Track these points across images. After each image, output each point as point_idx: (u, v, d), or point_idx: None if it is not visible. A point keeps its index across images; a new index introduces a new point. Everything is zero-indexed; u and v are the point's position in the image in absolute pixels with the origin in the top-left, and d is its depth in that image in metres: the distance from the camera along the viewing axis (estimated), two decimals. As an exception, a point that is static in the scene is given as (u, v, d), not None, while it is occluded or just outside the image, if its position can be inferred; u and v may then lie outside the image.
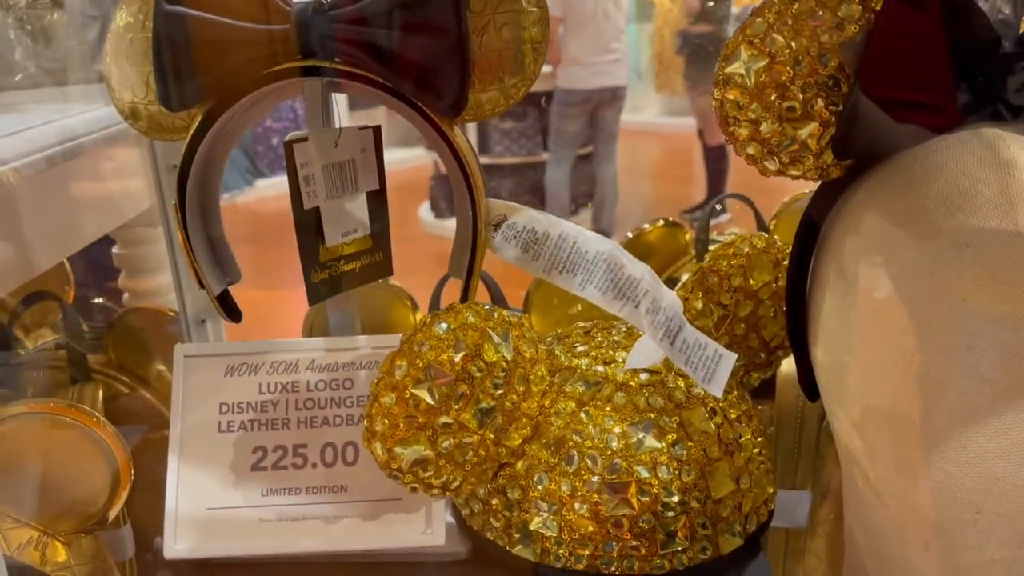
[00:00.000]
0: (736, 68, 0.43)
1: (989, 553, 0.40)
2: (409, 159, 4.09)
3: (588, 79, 2.85)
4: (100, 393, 0.65)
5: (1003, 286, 0.38)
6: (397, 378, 0.44)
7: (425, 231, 3.59)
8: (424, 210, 3.72)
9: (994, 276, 0.38)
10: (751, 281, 0.54)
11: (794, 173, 0.45)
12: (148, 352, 0.71)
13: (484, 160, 3.33)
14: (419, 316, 0.73)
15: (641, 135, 5.39)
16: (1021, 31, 0.49)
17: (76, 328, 0.69)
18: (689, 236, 0.87)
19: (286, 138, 0.47)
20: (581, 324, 0.58)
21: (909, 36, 0.42)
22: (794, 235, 0.49)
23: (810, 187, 0.62)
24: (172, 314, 0.71)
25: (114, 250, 0.92)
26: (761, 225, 0.86)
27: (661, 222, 0.85)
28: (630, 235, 0.85)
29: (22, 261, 0.58)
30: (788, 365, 0.68)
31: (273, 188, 4.42)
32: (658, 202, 4.08)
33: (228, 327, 0.71)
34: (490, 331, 0.45)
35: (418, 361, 0.43)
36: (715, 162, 3.37)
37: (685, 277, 0.81)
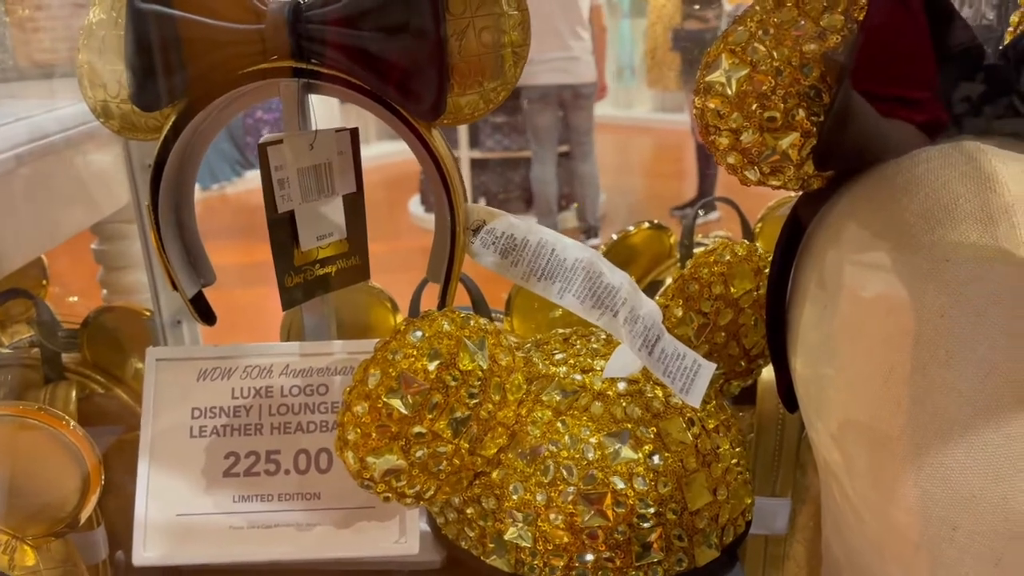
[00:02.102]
0: (717, 77, 0.42)
1: (965, 570, 0.40)
2: (399, 152, 4.06)
3: (540, 75, 2.83)
4: (73, 393, 0.64)
5: (982, 302, 0.37)
6: (370, 387, 0.43)
7: (415, 225, 3.58)
8: (414, 204, 3.71)
9: (973, 292, 0.38)
10: (732, 289, 0.54)
11: (775, 183, 0.45)
12: (123, 351, 0.70)
13: (475, 154, 3.32)
14: (399, 318, 0.72)
15: (633, 131, 5.39)
16: (1013, 32, 0.49)
17: (50, 326, 0.67)
18: (674, 239, 0.86)
19: (260, 140, 0.47)
20: (561, 331, 0.57)
21: (895, 32, 0.41)
22: (775, 244, 0.49)
23: (796, 192, 0.62)
24: (148, 313, 0.70)
25: (92, 246, 0.91)
26: (746, 229, 0.85)
27: (646, 224, 0.85)
28: (615, 237, 0.85)
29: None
30: (769, 372, 0.68)
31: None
32: (649, 198, 4.08)
33: (205, 327, 0.70)
34: (466, 340, 0.44)
35: (391, 370, 0.43)
36: (707, 159, 3.37)
37: (669, 280, 0.81)
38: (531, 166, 3.12)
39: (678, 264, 0.84)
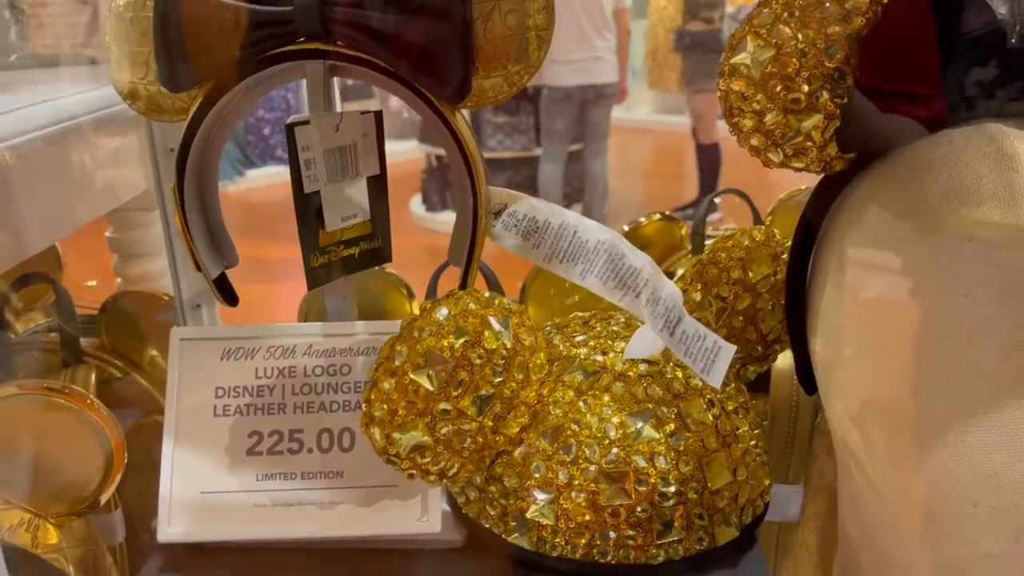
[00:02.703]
0: (742, 58, 0.43)
1: (985, 547, 0.40)
2: (401, 152, 4.09)
3: (569, 76, 2.84)
4: (93, 376, 0.64)
5: (1005, 282, 0.38)
6: (397, 364, 0.44)
7: (417, 224, 3.59)
8: (416, 203, 3.71)
9: (996, 271, 0.38)
10: (750, 274, 0.54)
11: (797, 165, 0.45)
12: (141, 336, 0.71)
13: (477, 154, 3.32)
14: (415, 305, 0.73)
15: (634, 132, 5.40)
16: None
17: (69, 310, 0.68)
18: (685, 230, 0.87)
19: (288, 121, 0.47)
20: (580, 314, 0.58)
21: (901, 28, 0.42)
22: (795, 227, 0.49)
23: (806, 184, 0.63)
24: (167, 298, 0.70)
25: (107, 234, 0.91)
26: (758, 221, 0.86)
27: (657, 216, 0.85)
28: (626, 228, 0.85)
29: (15, 242, 0.57)
30: (783, 360, 0.68)
31: (264, 178, 4.42)
32: (649, 200, 4.09)
33: (222, 313, 0.70)
34: (491, 318, 0.45)
35: (418, 347, 0.43)
36: (708, 160, 3.38)
37: (681, 271, 0.81)
38: (541, 164, 3.12)
39: (689, 255, 0.84)
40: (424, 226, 3.51)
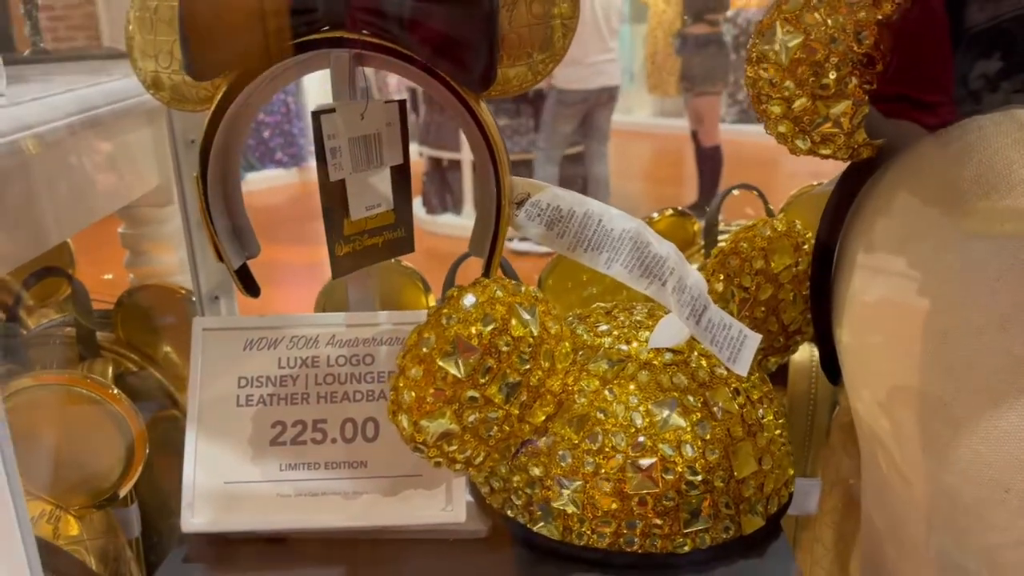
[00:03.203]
0: (771, 45, 0.43)
1: (1017, 533, 0.40)
2: (401, 155, 4.08)
3: (589, 79, 2.83)
4: (110, 369, 0.64)
5: (1038, 265, 0.38)
6: (425, 351, 0.43)
7: (418, 226, 3.58)
8: (416, 206, 3.71)
9: (1028, 255, 0.38)
10: (772, 264, 0.54)
11: (825, 152, 0.45)
12: (156, 331, 0.71)
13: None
14: (431, 298, 0.72)
15: (633, 136, 5.40)
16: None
17: (85, 304, 0.68)
18: (698, 226, 0.87)
19: (313, 109, 0.47)
20: (601, 304, 0.58)
21: (917, 35, 0.42)
22: (821, 215, 0.49)
23: (818, 180, 0.63)
24: (182, 292, 0.70)
25: (120, 230, 0.91)
26: (770, 216, 0.86)
27: (670, 211, 0.85)
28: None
29: (36, 234, 0.57)
30: (801, 354, 0.68)
31: (265, 180, 4.41)
32: (649, 203, 4.08)
33: (241, 306, 0.70)
34: (518, 306, 0.44)
35: (446, 333, 0.43)
36: (709, 163, 3.38)
37: (695, 267, 0.81)
38: (537, 166, 3.12)
39: (702, 251, 0.84)
40: (425, 228, 3.51)
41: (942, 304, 0.40)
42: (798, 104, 0.43)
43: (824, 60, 0.42)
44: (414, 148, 3.71)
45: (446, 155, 3.47)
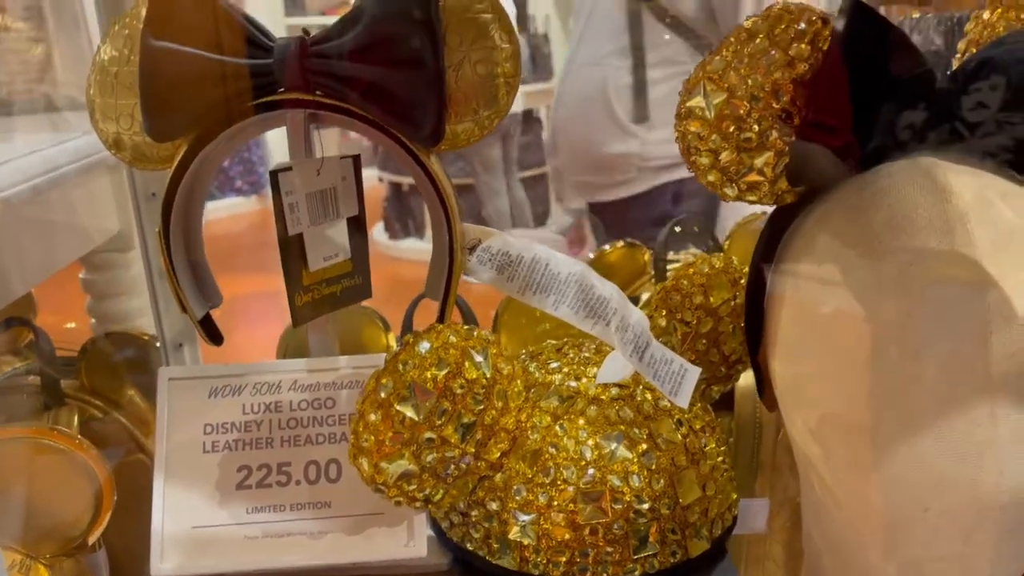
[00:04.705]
0: (697, 102, 0.46)
1: (937, 549, 0.43)
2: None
3: None
4: (75, 418, 0.65)
5: (943, 301, 0.41)
6: (383, 396, 0.46)
7: (381, 252, 3.60)
8: (378, 231, 3.73)
9: (935, 292, 0.42)
10: (711, 299, 0.57)
11: (751, 199, 0.49)
12: (120, 377, 0.72)
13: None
14: (391, 336, 0.75)
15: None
16: (960, 58, 0.53)
17: (49, 353, 0.69)
18: (648, 256, 0.90)
19: (271, 168, 0.49)
20: (553, 342, 0.60)
21: (826, 91, 0.46)
22: (752, 255, 0.52)
23: (764, 209, 0.66)
24: (146, 338, 0.72)
25: (81, 275, 0.92)
26: (716, 245, 0.90)
27: (621, 243, 0.89)
28: (591, 256, 0.89)
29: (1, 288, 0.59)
30: (746, 379, 0.72)
31: (225, 209, 4.39)
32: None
33: (204, 352, 0.72)
34: (471, 349, 0.47)
35: (403, 379, 0.46)
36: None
37: (645, 296, 0.85)
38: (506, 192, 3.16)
39: (652, 280, 0.88)
40: (388, 254, 3.53)
41: (861, 337, 0.44)
42: (724, 156, 0.46)
43: (746, 116, 0.45)
44: (372, 173, 3.72)
45: (406, 180, 3.50)
